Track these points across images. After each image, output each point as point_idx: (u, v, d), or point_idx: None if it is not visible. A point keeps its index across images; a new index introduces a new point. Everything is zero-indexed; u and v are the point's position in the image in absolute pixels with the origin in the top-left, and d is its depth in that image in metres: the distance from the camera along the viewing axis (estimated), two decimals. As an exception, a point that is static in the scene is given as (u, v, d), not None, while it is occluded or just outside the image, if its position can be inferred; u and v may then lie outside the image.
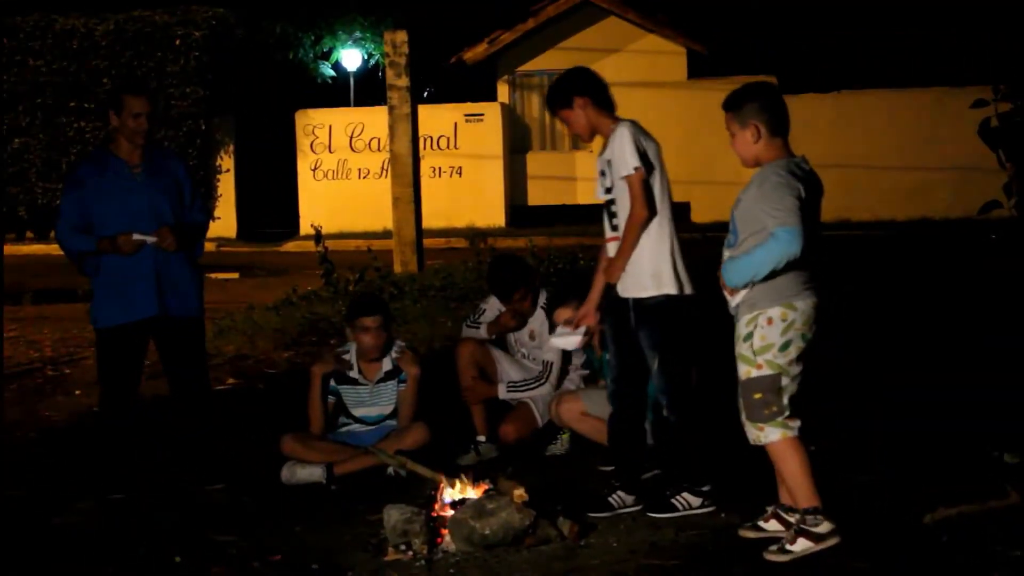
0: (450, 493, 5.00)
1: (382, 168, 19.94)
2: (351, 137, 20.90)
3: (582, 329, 5.25)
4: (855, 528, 4.57)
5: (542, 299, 6.51)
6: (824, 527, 4.44)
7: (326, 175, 20.97)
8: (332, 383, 6.28)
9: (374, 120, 19.85)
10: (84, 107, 20.18)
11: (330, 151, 20.96)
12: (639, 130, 5.08)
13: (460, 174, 20.66)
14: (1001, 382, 6.58)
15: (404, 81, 12.70)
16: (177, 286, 5.78)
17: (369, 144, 20.77)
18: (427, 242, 13.66)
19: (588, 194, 5.32)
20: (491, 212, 20.52)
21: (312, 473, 5.89)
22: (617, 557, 4.58)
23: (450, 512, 4.86)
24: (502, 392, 6.46)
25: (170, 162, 5.98)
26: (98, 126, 19.29)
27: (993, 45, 15.99)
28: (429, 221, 14.86)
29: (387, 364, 6.27)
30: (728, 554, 4.54)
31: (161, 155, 6.00)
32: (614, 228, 5.11)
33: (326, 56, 24.85)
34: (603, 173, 5.13)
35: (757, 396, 4.46)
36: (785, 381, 4.45)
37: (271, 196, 20.98)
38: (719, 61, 20.28)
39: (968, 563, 4.27)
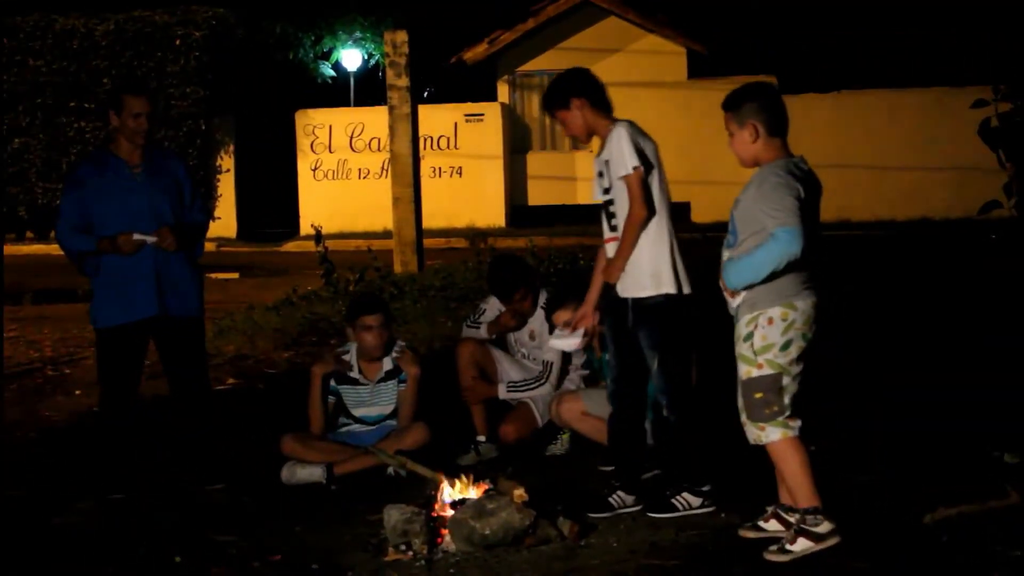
0: (450, 493, 5.00)
1: (382, 168, 19.94)
2: (351, 137, 20.90)
3: (581, 331, 5.26)
4: (855, 528, 4.56)
5: (542, 299, 6.51)
6: (824, 527, 4.44)
7: (326, 175, 20.97)
8: (332, 383, 6.28)
9: (374, 120, 19.84)
10: (84, 107, 20.17)
11: (330, 151, 20.96)
12: (636, 130, 5.08)
13: (460, 174, 20.66)
14: (1001, 382, 6.58)
15: (404, 81, 12.70)
16: (177, 286, 5.79)
17: (369, 144, 20.77)
18: (427, 242, 13.66)
19: (588, 194, 5.31)
20: (491, 212, 20.52)
21: (312, 473, 5.89)
22: (617, 557, 4.58)
23: (450, 512, 4.86)
24: (502, 392, 6.46)
25: (170, 162, 5.98)
26: (98, 126, 19.29)
27: (993, 45, 15.98)
28: (429, 221, 14.86)
29: (387, 364, 6.28)
30: (728, 554, 4.54)
31: (161, 155, 6.00)
32: (613, 229, 5.11)
33: (326, 56, 24.85)
34: (601, 174, 5.13)
35: (758, 396, 4.46)
36: (786, 381, 4.45)
37: (271, 196, 20.98)
38: (719, 61, 20.28)
39: (968, 563, 4.27)
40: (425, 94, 24.49)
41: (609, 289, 5.10)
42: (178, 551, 4.87)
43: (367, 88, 24.43)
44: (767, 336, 4.44)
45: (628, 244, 4.99)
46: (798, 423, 4.48)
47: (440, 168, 20.59)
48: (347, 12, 24.37)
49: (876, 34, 21.87)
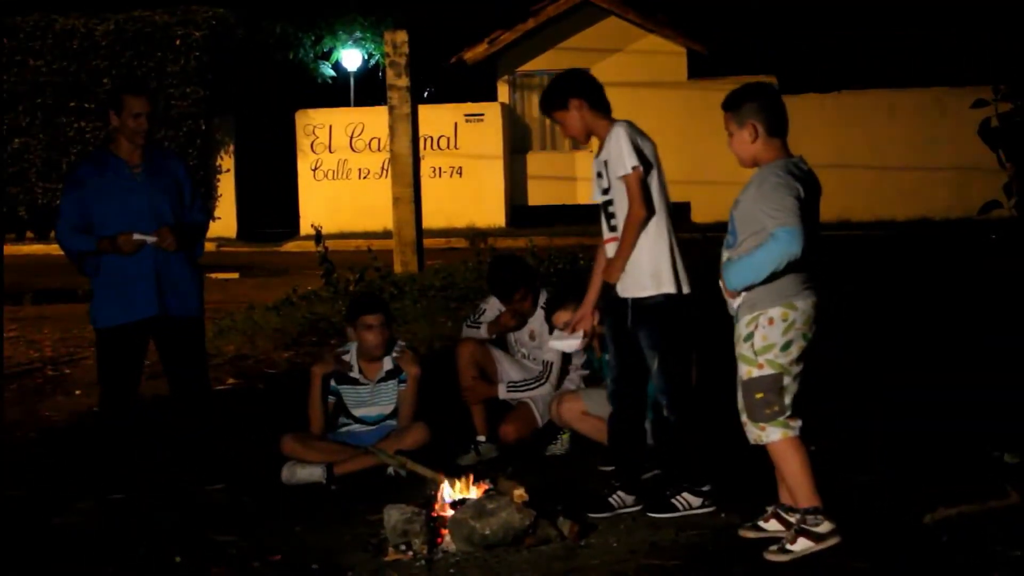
0: (450, 493, 5.00)
1: (382, 168, 19.94)
2: (351, 137, 20.90)
3: (580, 332, 5.26)
4: (855, 528, 4.56)
5: (542, 299, 6.51)
6: (824, 527, 4.44)
7: (326, 175, 20.97)
8: (332, 383, 6.28)
9: (374, 120, 19.84)
10: (84, 107, 20.18)
11: (330, 151, 20.96)
12: (635, 130, 5.08)
13: (460, 174, 20.65)
14: (1001, 382, 6.58)
15: (404, 81, 12.70)
16: (177, 286, 5.78)
17: (369, 144, 20.77)
18: (427, 242, 13.66)
19: (588, 194, 5.30)
20: (491, 212, 20.53)
21: (312, 473, 5.89)
22: (617, 557, 4.58)
23: (450, 512, 4.86)
24: (502, 392, 6.46)
25: (170, 162, 5.98)
26: (98, 126, 19.29)
27: (993, 45, 16.00)
28: (429, 221, 14.86)
29: (387, 364, 6.28)
30: (728, 554, 4.54)
31: (161, 155, 6.00)
32: (612, 229, 5.11)
33: (326, 56, 24.86)
34: (600, 175, 5.13)
35: (759, 396, 4.46)
36: (787, 381, 4.45)
37: (271, 196, 20.98)
38: (719, 61, 20.28)
39: (968, 563, 4.27)
40: (425, 94, 24.49)
41: (609, 289, 5.10)
42: (178, 551, 4.87)
43: (367, 88, 24.43)
44: (767, 336, 4.44)
45: (628, 244, 4.99)
46: (798, 423, 4.48)
47: (440, 168, 20.59)
48: (347, 12, 24.38)
49: (876, 34, 21.87)
